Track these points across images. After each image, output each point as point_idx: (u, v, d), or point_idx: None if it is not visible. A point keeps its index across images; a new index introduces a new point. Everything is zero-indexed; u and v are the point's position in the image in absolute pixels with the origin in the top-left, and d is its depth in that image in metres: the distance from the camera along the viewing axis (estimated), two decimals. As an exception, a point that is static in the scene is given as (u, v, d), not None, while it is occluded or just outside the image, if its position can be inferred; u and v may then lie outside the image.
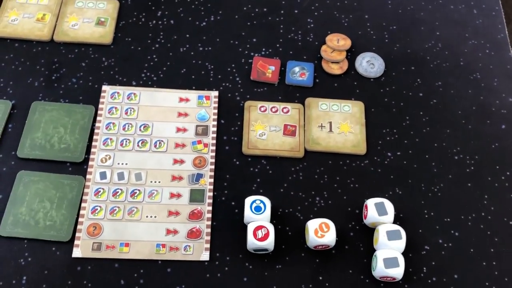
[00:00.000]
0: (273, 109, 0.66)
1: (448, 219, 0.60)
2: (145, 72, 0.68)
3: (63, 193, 0.59)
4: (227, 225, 0.58)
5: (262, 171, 0.62)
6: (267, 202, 0.58)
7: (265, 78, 0.68)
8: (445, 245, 0.59)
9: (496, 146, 0.66)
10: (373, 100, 0.68)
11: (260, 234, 0.55)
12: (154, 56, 0.69)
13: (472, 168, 0.64)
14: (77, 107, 0.64)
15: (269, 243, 0.55)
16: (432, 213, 0.61)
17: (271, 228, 0.56)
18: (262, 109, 0.66)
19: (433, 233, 0.60)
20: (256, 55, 0.70)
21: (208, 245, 0.57)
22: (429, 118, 0.67)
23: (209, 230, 0.58)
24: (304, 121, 0.66)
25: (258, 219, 0.56)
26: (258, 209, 0.57)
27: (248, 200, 0.57)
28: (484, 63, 0.72)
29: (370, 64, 0.67)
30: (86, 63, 0.68)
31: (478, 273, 0.57)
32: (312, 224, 0.56)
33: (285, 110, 0.66)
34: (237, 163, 0.62)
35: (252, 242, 0.55)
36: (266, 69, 0.69)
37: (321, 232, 0.56)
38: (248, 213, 0.57)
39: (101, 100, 0.65)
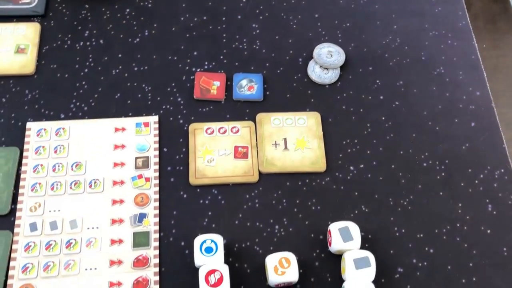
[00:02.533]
0: (221, 130, 0.60)
1: (421, 235, 0.55)
2: (74, 102, 0.60)
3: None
4: (177, 270, 0.52)
5: (213, 202, 0.56)
6: (219, 240, 0.51)
7: (210, 96, 0.62)
8: (420, 264, 0.54)
9: (466, 147, 0.60)
10: (330, 108, 0.62)
11: (213, 279, 0.49)
12: (84, 82, 0.62)
13: (443, 174, 0.58)
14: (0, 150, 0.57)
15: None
16: (403, 230, 0.55)
17: (225, 271, 0.49)
18: (209, 131, 0.59)
19: (406, 253, 0.54)
20: (198, 70, 0.63)
21: (157, 295, 0.51)
22: (392, 123, 0.61)
23: (157, 278, 0.51)
24: (257, 140, 0.59)
25: (210, 262, 0.50)
26: (209, 250, 0.51)
27: (198, 241, 0.51)
28: (447, 55, 0.66)
29: (328, 54, 0.60)
30: (6, 98, 0.60)
31: (458, 292, 0.53)
32: (271, 260, 0.50)
33: (234, 130, 0.60)
34: (185, 196, 0.56)
35: None
36: (210, 85, 0.62)
37: (281, 269, 0.50)
38: (198, 256, 0.50)
39: (26, 139, 0.58)
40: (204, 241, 0.51)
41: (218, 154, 0.58)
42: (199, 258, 0.50)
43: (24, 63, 0.62)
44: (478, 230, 0.56)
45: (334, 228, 0.52)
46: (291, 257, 0.51)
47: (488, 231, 0.56)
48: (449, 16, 0.69)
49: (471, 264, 0.54)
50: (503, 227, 0.56)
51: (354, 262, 0.50)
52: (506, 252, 0.55)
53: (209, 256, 0.50)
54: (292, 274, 0.50)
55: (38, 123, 0.59)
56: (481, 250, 0.55)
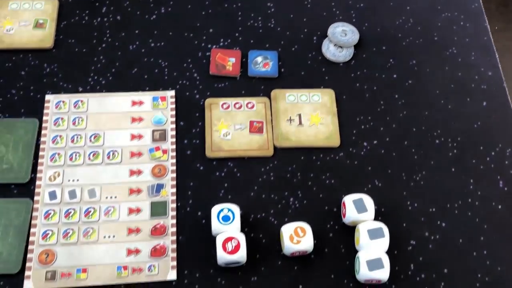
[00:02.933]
0: (237, 106, 0.60)
1: (433, 209, 0.56)
2: (92, 76, 0.61)
3: (8, 219, 0.53)
4: (194, 238, 0.53)
5: (229, 174, 0.57)
6: (236, 210, 0.52)
7: (225, 72, 0.62)
8: (432, 238, 0.55)
9: (478, 126, 0.61)
10: (344, 86, 0.62)
11: (230, 246, 0.50)
12: (101, 57, 0.63)
13: (455, 151, 0.59)
14: (19, 121, 0.58)
15: (241, 255, 0.50)
16: (415, 204, 0.56)
17: (242, 239, 0.50)
18: (225, 106, 0.60)
19: (418, 226, 0.55)
20: (214, 47, 0.64)
21: (174, 263, 0.51)
22: (405, 101, 0.62)
23: (174, 246, 0.52)
24: (271, 116, 0.60)
25: (227, 230, 0.51)
26: (226, 218, 0.52)
27: (215, 210, 0.52)
28: (459, 36, 0.67)
29: (342, 33, 0.61)
30: (26, 71, 0.61)
31: (469, 265, 0.53)
32: (287, 230, 0.51)
33: (249, 106, 0.61)
34: (201, 168, 0.57)
35: (222, 257, 0.50)
36: (225, 61, 0.63)
37: (297, 238, 0.51)
38: (215, 224, 0.51)
39: (45, 111, 0.59)
40: (222, 210, 0.52)
41: (234, 128, 0.59)
42: (216, 226, 0.51)
43: (42, 37, 0.63)
44: (489, 205, 0.57)
45: (349, 200, 0.53)
46: (307, 226, 0.52)
47: (499, 207, 0.56)
48: (462, -2, 0.70)
49: (482, 238, 0.55)
50: (514, 203, 0.57)
51: (368, 233, 0.51)
52: (516, 227, 0.56)
53: (226, 224, 0.51)
54: (308, 243, 0.51)
55: (57, 95, 0.60)
56: (492, 225, 0.55)
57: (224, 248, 0.50)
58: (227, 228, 0.51)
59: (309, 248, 0.51)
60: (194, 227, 0.54)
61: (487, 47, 0.66)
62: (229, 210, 0.52)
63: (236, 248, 0.50)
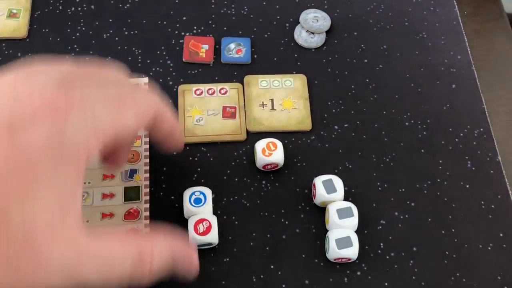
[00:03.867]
0: (210, 91, 0.61)
1: (403, 189, 0.57)
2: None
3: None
4: (167, 222, 0.54)
5: (202, 159, 0.58)
6: (208, 192, 0.53)
7: (198, 59, 0.63)
8: (401, 217, 0.56)
9: (447, 108, 0.62)
10: (316, 71, 0.63)
11: (201, 228, 0.51)
12: (75, 46, 0.63)
13: (425, 133, 0.61)
14: (-7, 110, 0.58)
15: (212, 237, 0.51)
16: (385, 185, 0.57)
17: (213, 221, 0.51)
18: (198, 92, 0.61)
19: (388, 206, 0.56)
20: (187, 34, 0.65)
21: (148, 246, 0.52)
22: (376, 85, 0.63)
23: (147, 229, 0.53)
24: (244, 101, 0.61)
25: (199, 213, 0.52)
26: (198, 201, 0.52)
27: (187, 193, 0.53)
28: (429, 21, 0.68)
29: (314, 19, 0.62)
30: (-1, 61, 0.62)
31: (437, 243, 0.55)
32: (260, 145, 0.56)
33: (222, 91, 0.61)
34: (174, 153, 0.58)
35: (193, 238, 0.51)
36: (199, 48, 0.64)
37: (268, 151, 0.55)
38: (187, 207, 0.52)
39: (19, 99, 0.59)
40: (193, 193, 0.53)
41: (207, 113, 0.60)
42: (188, 209, 0.52)
43: (16, 27, 0.63)
44: (457, 185, 0.58)
45: (319, 181, 0.54)
46: (278, 142, 0.56)
47: (467, 186, 0.58)
48: (432, -16, 0.71)
49: (450, 217, 0.56)
50: (481, 183, 0.58)
51: (337, 212, 0.52)
52: (483, 205, 0.57)
53: (198, 206, 0.52)
54: (278, 156, 0.55)
55: (31, 84, 0.60)
56: (460, 204, 0.57)
57: (196, 230, 0.51)
58: (199, 210, 0.52)
59: (280, 162, 0.55)
60: (167, 211, 0.55)
61: (456, 31, 0.68)
62: (200, 193, 0.53)
63: (208, 230, 0.51)
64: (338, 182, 0.54)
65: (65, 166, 0.36)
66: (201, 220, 0.51)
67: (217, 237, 0.51)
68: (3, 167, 0.34)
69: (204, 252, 0.53)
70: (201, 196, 0.52)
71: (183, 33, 0.65)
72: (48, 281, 0.35)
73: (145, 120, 0.43)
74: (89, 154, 0.38)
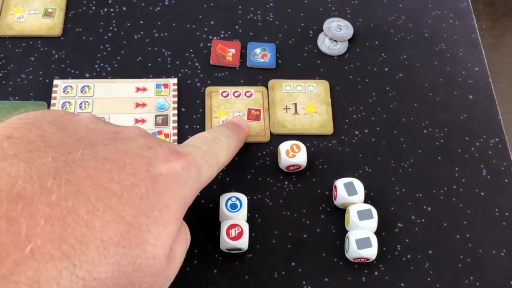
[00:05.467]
0: (236, 94, 0.64)
1: (420, 195, 0.59)
2: (98, 63, 0.64)
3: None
4: (193, 218, 0.55)
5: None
6: (244, 199, 0.55)
7: (225, 62, 0.65)
8: (418, 221, 0.58)
9: (464, 117, 0.64)
10: (338, 78, 0.66)
11: (233, 233, 0.53)
12: (107, 45, 0.66)
13: (442, 141, 0.63)
14: (28, 104, 0.61)
15: (243, 242, 0.52)
16: (403, 190, 0.59)
17: (245, 227, 0.53)
18: (224, 94, 0.63)
19: (406, 210, 0.58)
20: (215, 38, 0.67)
21: (174, 239, 0.55)
22: (395, 93, 0.65)
23: (174, 223, 0.55)
24: (268, 104, 0.63)
25: (234, 217, 0.54)
26: (233, 206, 0.54)
27: (223, 198, 0.55)
28: (448, 33, 0.70)
29: (337, 28, 0.64)
30: (35, 57, 0.64)
31: (452, 247, 0.57)
32: (284, 146, 0.58)
33: (248, 94, 0.64)
34: (201, 152, 0.60)
35: (225, 241, 0.52)
36: (226, 52, 0.66)
37: (292, 153, 0.57)
38: (223, 211, 0.54)
39: (53, 95, 0.61)
40: (230, 198, 0.55)
41: (232, 115, 0.62)
42: (224, 213, 0.54)
43: (51, 25, 0.66)
44: (472, 192, 0.60)
45: (340, 183, 0.56)
46: (301, 144, 0.58)
47: (482, 193, 0.60)
48: (452, -3, 0.73)
49: (465, 222, 0.58)
50: (495, 190, 0.60)
51: (357, 214, 0.54)
52: (497, 212, 0.59)
53: (234, 212, 0.54)
54: (301, 157, 0.57)
55: (64, 80, 0.62)
56: (475, 210, 0.59)
57: (228, 234, 0.53)
58: (234, 215, 0.54)
59: (303, 163, 0.57)
60: (193, 207, 0.56)
61: (474, 44, 0.70)
62: (237, 198, 0.55)
63: (239, 235, 0.53)
64: (359, 185, 0.56)
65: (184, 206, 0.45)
66: (234, 225, 0.53)
67: (247, 243, 0.53)
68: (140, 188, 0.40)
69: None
70: (237, 202, 0.54)
71: (211, 37, 0.67)
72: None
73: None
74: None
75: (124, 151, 0.40)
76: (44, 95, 0.62)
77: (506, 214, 0.59)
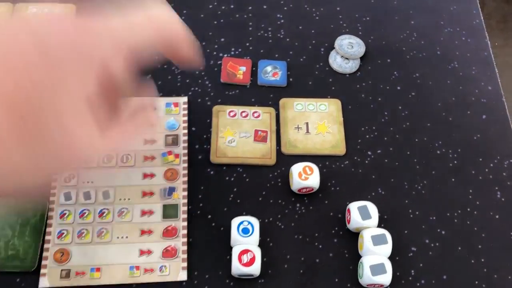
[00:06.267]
0: (243, 114, 0.63)
1: (434, 218, 0.58)
2: (107, 81, 0.63)
3: (25, 218, 0.55)
4: (204, 241, 0.55)
5: (238, 180, 0.59)
6: (255, 222, 0.54)
7: (236, 80, 0.65)
8: (432, 245, 0.57)
9: (478, 138, 0.63)
10: (350, 96, 0.65)
11: (245, 259, 0.52)
12: (116, 63, 0.65)
13: (455, 162, 0.62)
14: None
15: (255, 268, 0.51)
16: (417, 212, 0.58)
17: (257, 253, 0.52)
18: (232, 114, 0.62)
19: (419, 234, 0.57)
20: (225, 55, 0.66)
21: (185, 264, 0.53)
22: (408, 112, 0.64)
23: (185, 247, 0.54)
24: (279, 124, 0.62)
25: (246, 242, 0.53)
26: (245, 231, 0.53)
27: (235, 222, 0.54)
28: (461, 51, 0.70)
29: (349, 45, 0.63)
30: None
31: (467, 272, 0.56)
32: (296, 168, 0.57)
33: (255, 115, 0.63)
34: (211, 172, 0.59)
35: (236, 268, 0.51)
36: (236, 70, 0.65)
37: (305, 175, 0.56)
38: (235, 236, 0.53)
39: (61, 114, 0.61)
40: (242, 222, 0.53)
41: (239, 135, 0.61)
42: (235, 239, 0.53)
43: (59, 42, 0.65)
44: (487, 215, 0.59)
45: (353, 206, 0.55)
46: (314, 166, 0.57)
47: (497, 216, 0.59)
48: (464, 14, 0.72)
49: (480, 246, 0.57)
50: (510, 213, 0.59)
51: (372, 239, 0.54)
52: (513, 236, 0.58)
53: (246, 237, 0.53)
54: (314, 180, 0.56)
55: (73, 99, 0.61)
56: (490, 234, 0.58)
57: (240, 260, 0.52)
58: (246, 240, 0.53)
59: (315, 185, 0.56)
60: (204, 229, 0.56)
61: (487, 62, 0.69)
62: (248, 223, 0.54)
63: (251, 261, 0.51)
64: (373, 209, 0.55)
65: (86, 70, 0.38)
66: (246, 251, 0.52)
67: (260, 269, 0.52)
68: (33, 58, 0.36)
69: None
70: (249, 226, 0.53)
71: (221, 54, 0.66)
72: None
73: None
74: (108, 62, 0.40)
75: None
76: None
77: (522, 238, 0.58)
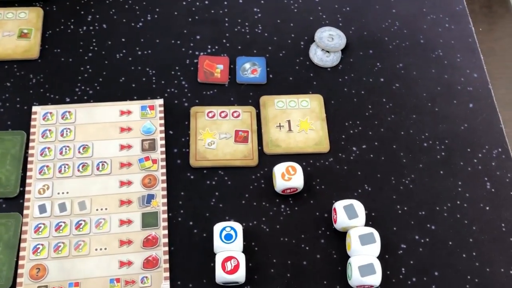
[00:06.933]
0: (222, 114, 0.60)
1: (423, 213, 0.57)
2: (79, 86, 0.61)
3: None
4: (186, 249, 0.53)
5: (219, 183, 0.57)
6: (239, 228, 0.52)
7: (213, 79, 0.62)
8: (422, 241, 0.55)
9: (465, 127, 0.62)
10: (332, 91, 0.63)
11: (229, 266, 0.50)
12: (88, 66, 0.62)
13: (443, 154, 0.60)
14: (6, 133, 0.57)
15: (240, 276, 0.50)
16: (405, 208, 0.57)
17: (242, 259, 0.50)
18: (210, 115, 0.60)
19: (409, 230, 0.56)
20: (202, 53, 0.64)
21: (167, 274, 0.51)
22: (392, 104, 0.63)
23: (167, 256, 0.52)
24: (260, 123, 0.60)
25: (229, 249, 0.51)
26: (228, 237, 0.51)
27: (217, 228, 0.52)
28: (445, 38, 0.68)
29: (329, 38, 0.61)
30: (11, 83, 0.61)
31: (459, 267, 0.54)
32: (279, 169, 0.55)
33: (235, 115, 0.60)
34: (191, 177, 0.57)
35: (220, 276, 0.49)
36: (214, 68, 0.63)
37: (288, 175, 0.54)
38: (218, 243, 0.51)
39: (32, 123, 0.58)
40: (224, 228, 0.51)
41: (219, 137, 0.59)
42: (218, 245, 0.51)
43: (27, 47, 0.62)
44: (477, 207, 0.57)
45: (339, 206, 0.54)
46: (297, 166, 0.55)
47: (487, 208, 0.57)
48: (446, 0, 0.70)
49: (471, 240, 0.56)
50: (500, 204, 0.58)
51: (359, 238, 0.52)
52: (504, 227, 0.56)
53: (229, 243, 0.51)
54: (298, 180, 0.54)
55: (44, 106, 0.59)
56: (481, 226, 0.56)
57: (224, 267, 0.50)
58: (229, 247, 0.51)
59: (299, 186, 0.54)
60: (186, 237, 0.54)
61: (472, 48, 0.67)
62: (231, 228, 0.52)
63: (236, 268, 0.50)
64: (359, 207, 0.53)
65: None
66: (229, 258, 0.50)
67: (244, 276, 0.50)
68: None
69: (225, 279, 0.52)
70: (232, 232, 0.51)
71: (197, 53, 0.64)
72: None
73: None
74: None
75: None
76: (23, 123, 0.58)
77: (513, 229, 0.56)
